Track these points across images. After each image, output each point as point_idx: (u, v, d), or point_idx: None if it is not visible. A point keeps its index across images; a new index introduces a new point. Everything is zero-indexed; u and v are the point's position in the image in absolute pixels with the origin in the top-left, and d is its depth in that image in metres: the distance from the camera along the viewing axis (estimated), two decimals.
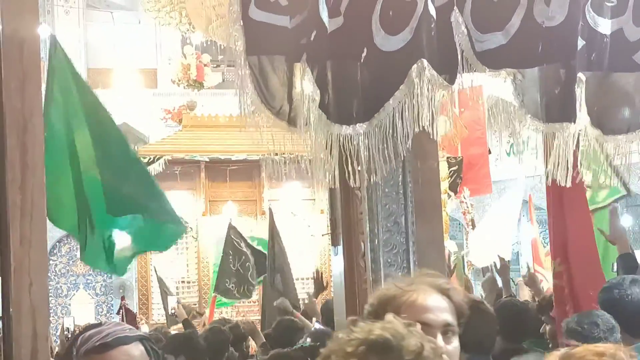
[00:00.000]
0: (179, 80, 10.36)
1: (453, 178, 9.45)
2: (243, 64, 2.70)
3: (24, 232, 2.02)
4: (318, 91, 2.74)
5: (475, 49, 2.88)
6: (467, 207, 10.29)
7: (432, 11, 2.78)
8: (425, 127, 2.75)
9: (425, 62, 2.75)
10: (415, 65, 2.74)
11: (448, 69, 2.83)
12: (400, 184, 3.08)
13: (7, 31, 2.14)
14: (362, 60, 2.77)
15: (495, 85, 3.28)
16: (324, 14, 2.69)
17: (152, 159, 9.45)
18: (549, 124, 2.95)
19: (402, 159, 3.05)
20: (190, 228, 9.77)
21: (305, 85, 2.77)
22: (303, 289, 8.64)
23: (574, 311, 3.58)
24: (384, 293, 1.84)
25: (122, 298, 10.27)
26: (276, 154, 2.99)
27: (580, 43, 3.00)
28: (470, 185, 9.77)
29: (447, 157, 9.46)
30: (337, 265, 3.58)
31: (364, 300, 2.58)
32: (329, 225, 3.96)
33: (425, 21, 2.76)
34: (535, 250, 9.21)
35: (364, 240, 3.23)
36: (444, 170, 9.68)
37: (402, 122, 2.79)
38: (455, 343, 1.77)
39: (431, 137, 2.73)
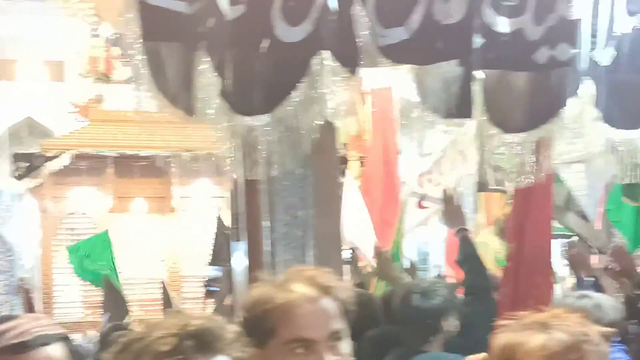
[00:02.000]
0: (87, 74, 10.03)
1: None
2: (138, 51, 2.61)
3: None
4: (218, 81, 2.68)
5: (376, 43, 2.90)
6: None
7: (333, 3, 2.77)
8: (328, 120, 2.74)
9: (326, 53, 2.74)
10: (316, 57, 2.73)
11: (350, 62, 2.83)
12: (300, 176, 3.05)
13: None
14: (263, 51, 2.73)
15: (406, 87, 3.31)
16: (223, 1, 2.63)
17: (56, 154, 9.13)
18: (447, 119, 2.99)
19: (302, 151, 3.02)
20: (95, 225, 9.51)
21: (206, 74, 2.70)
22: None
23: (514, 295, 3.62)
24: (257, 300, 1.59)
25: (28, 291, 9.86)
26: (187, 150, 2.90)
27: (480, 41, 3.06)
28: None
29: (360, 157, 9.54)
30: (239, 262, 3.53)
31: None
32: (231, 220, 3.90)
33: (326, 13, 2.75)
34: (450, 252, 9.33)
35: (264, 235, 3.19)
36: (356, 169, 9.74)
37: (305, 115, 2.77)
38: (345, 347, 1.57)
39: (333, 129, 2.72)
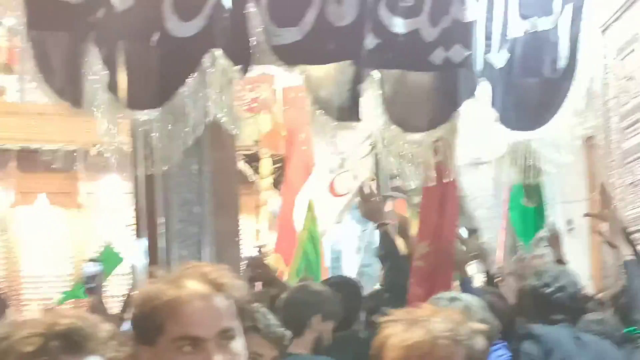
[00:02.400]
0: None
1: (277, 175, 9.55)
2: (23, 39, 2.54)
3: None
4: (107, 72, 2.63)
5: (270, 42, 2.91)
6: None
7: (227, 1, 2.77)
8: (217, 117, 2.74)
9: (217, 51, 2.73)
10: (207, 54, 2.72)
11: (242, 60, 2.84)
12: (195, 172, 3.03)
13: None
14: (152, 44, 2.71)
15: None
16: None
17: None
18: (339, 122, 3.03)
19: (197, 148, 3.01)
20: None
21: (94, 65, 2.65)
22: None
23: (429, 292, 3.62)
24: (146, 297, 1.52)
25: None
26: (94, 145, 2.84)
27: (375, 42, 3.10)
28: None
29: (271, 154, 9.54)
30: (140, 259, 3.48)
31: None
32: (133, 216, 3.84)
33: (219, 10, 2.74)
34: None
35: (159, 231, 3.17)
36: (268, 167, 9.74)
37: (195, 111, 2.75)
38: (238, 346, 1.51)
39: (224, 127, 2.72)
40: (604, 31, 5.09)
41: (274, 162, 9.52)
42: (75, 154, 8.99)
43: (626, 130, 4.84)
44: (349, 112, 3.03)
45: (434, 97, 3.30)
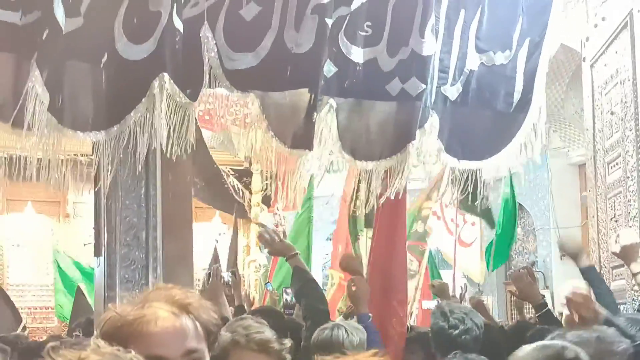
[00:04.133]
0: None
1: (266, 191, 9.50)
2: None
3: None
4: (47, 94, 2.58)
5: (224, 67, 2.86)
6: (280, 219, 10.38)
7: (178, 24, 2.72)
8: (162, 145, 2.68)
9: (166, 76, 2.68)
10: (156, 79, 2.67)
11: (192, 84, 2.79)
12: (142, 196, 2.97)
13: None
14: (101, 66, 2.66)
15: None
16: (59, 13, 2.55)
17: None
18: (292, 150, 2.98)
19: (146, 172, 2.95)
20: None
21: (36, 86, 2.60)
22: None
23: (377, 315, 3.57)
24: (110, 319, 1.52)
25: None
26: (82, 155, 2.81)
27: (333, 70, 3.06)
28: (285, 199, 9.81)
29: (261, 171, 9.49)
30: (98, 278, 3.43)
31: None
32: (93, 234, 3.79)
33: (170, 33, 2.69)
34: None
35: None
36: (258, 183, 9.69)
37: (141, 136, 2.70)
38: None
39: (165, 154, 2.66)
40: (592, 65, 5.06)
41: (264, 179, 9.48)
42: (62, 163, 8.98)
43: (609, 164, 4.78)
44: (302, 140, 2.97)
45: (387, 127, 3.25)
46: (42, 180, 3.08)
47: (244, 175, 9.89)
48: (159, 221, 3.02)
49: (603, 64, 4.82)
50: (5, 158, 9.08)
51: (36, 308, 9.60)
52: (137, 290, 3.03)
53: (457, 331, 2.96)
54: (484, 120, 3.44)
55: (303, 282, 3.35)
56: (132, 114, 2.68)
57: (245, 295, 6.78)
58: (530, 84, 3.44)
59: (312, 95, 2.93)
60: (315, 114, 2.93)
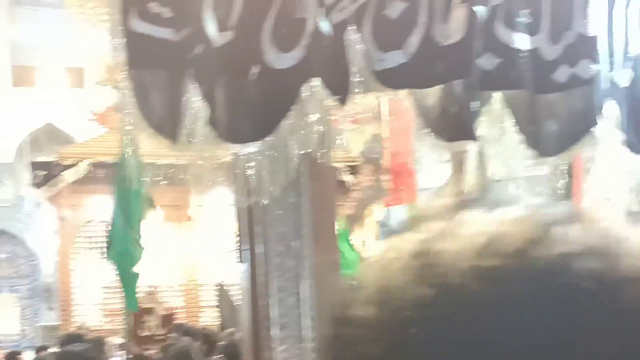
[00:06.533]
0: (104, 82, 10.04)
1: None
2: (124, 79, 2.55)
3: None
4: (207, 107, 2.60)
5: (373, 68, 2.79)
6: None
7: (326, 29, 2.67)
8: (314, 150, 2.65)
9: (316, 81, 2.64)
10: (306, 85, 2.64)
11: (342, 89, 2.73)
12: (293, 206, 2.95)
13: None
14: (252, 78, 2.65)
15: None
16: (211, 28, 2.55)
17: (74, 162, 9.14)
18: (450, 142, 2.88)
19: (296, 180, 2.93)
20: None
21: (194, 101, 2.63)
22: None
23: None
24: None
25: None
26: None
27: (495, 61, 2.91)
28: (395, 193, 9.74)
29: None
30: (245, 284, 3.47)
31: None
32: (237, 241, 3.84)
33: (318, 39, 2.65)
34: None
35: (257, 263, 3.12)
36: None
37: (294, 142, 2.68)
38: None
39: (320, 160, 2.62)
40: None
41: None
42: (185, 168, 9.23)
43: None
44: (460, 131, 2.87)
45: (564, 117, 3.09)
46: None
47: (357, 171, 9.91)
48: (309, 230, 2.99)
49: None
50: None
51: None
52: (290, 299, 3.03)
53: None
54: None
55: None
56: (284, 121, 2.66)
57: None
58: None
59: (467, 88, 2.82)
60: (473, 104, 2.82)
